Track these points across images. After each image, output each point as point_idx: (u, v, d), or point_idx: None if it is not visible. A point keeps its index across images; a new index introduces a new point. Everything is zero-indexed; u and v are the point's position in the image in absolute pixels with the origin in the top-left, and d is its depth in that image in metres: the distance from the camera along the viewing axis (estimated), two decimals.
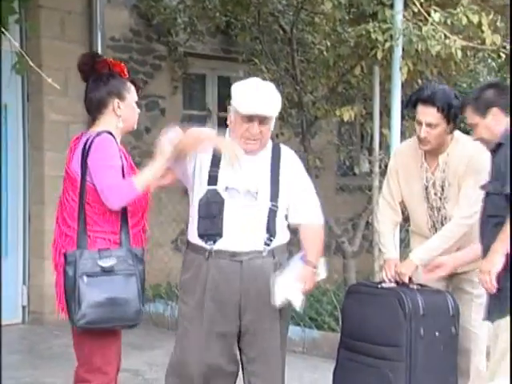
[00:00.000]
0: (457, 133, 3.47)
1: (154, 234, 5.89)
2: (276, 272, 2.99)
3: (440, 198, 3.44)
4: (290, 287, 2.98)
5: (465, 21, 4.83)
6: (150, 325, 5.92)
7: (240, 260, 2.97)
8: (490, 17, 4.92)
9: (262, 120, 2.96)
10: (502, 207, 2.80)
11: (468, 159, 3.37)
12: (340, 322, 4.03)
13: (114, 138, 2.86)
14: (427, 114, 3.33)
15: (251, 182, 3.00)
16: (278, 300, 2.98)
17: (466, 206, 3.33)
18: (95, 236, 2.80)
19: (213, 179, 2.98)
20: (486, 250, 2.89)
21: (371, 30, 4.93)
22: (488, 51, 5.37)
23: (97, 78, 2.92)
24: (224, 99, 7.06)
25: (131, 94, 2.97)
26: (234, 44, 7.01)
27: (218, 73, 7.37)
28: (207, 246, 2.97)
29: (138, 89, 3.06)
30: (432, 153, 3.43)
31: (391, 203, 3.57)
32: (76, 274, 2.70)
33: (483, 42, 4.93)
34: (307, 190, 3.13)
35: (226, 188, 2.97)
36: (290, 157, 3.14)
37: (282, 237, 3.06)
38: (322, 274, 3.09)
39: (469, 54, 5.42)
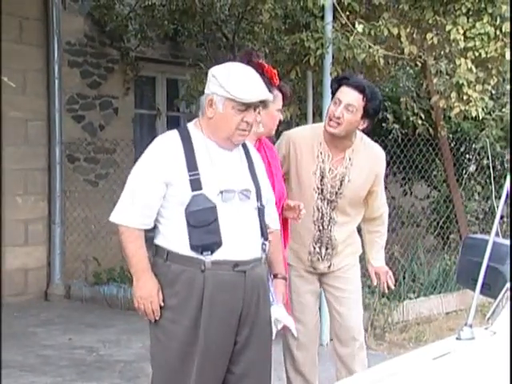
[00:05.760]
0: (360, 132, 3.12)
1: (108, 222, 5.80)
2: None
3: (336, 193, 3.06)
4: (280, 315, 2.60)
5: (386, 32, 4.83)
6: (104, 305, 5.87)
7: (243, 270, 2.43)
8: (408, 30, 4.99)
9: (256, 107, 2.45)
10: None
11: (377, 160, 3.13)
12: None
13: None
14: (350, 95, 2.94)
15: (243, 180, 2.49)
16: (275, 332, 2.59)
17: (386, 205, 3.22)
18: None
19: (196, 184, 2.40)
20: None
21: (304, 38, 4.90)
22: (406, 60, 5.41)
23: None
24: (172, 100, 7.04)
25: (275, 103, 2.72)
26: (182, 49, 7.00)
27: (167, 76, 7.36)
28: (203, 258, 2.40)
29: (285, 96, 2.79)
30: (336, 145, 3.05)
31: None
32: None
33: (402, 52, 4.99)
34: (270, 189, 2.64)
35: (221, 192, 2.41)
36: (255, 151, 2.66)
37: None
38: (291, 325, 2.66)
39: (390, 61, 5.45)
